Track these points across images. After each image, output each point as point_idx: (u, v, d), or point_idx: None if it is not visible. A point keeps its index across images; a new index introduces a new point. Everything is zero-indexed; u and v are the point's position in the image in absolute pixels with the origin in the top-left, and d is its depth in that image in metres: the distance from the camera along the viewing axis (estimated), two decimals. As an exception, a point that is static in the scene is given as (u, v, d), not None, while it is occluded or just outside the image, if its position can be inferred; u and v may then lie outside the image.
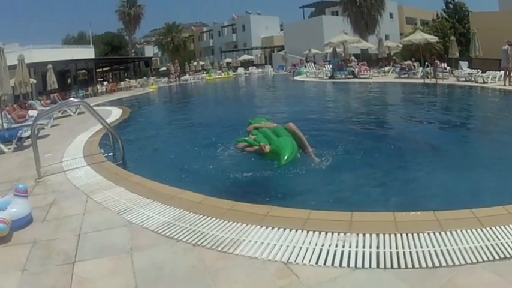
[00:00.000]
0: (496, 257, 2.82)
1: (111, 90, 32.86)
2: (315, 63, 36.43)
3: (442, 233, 3.18)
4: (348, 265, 2.86)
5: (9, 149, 8.63)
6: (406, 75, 23.27)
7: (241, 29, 64.62)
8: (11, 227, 3.83)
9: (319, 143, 7.05)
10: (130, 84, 35.40)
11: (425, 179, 5.48)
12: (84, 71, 41.72)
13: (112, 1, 78.91)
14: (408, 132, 9.11)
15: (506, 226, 3.23)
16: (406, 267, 2.78)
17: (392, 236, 3.21)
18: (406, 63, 25.35)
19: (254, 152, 6.59)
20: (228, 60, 54.96)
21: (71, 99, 14.52)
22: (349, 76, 25.93)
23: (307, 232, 3.39)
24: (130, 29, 56.61)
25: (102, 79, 40.88)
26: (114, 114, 15.00)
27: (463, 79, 19.45)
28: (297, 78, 30.84)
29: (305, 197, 4.93)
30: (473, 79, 18.41)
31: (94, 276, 3.03)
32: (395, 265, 2.82)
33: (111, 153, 7.45)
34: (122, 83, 36.60)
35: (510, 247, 2.91)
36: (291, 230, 3.45)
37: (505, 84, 16.00)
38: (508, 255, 2.82)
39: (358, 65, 28.22)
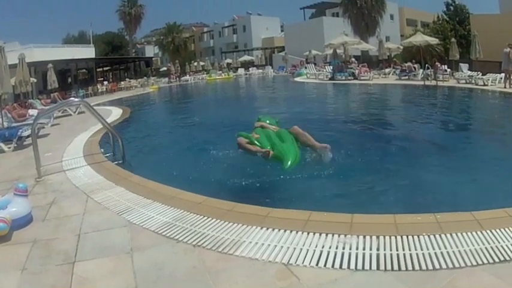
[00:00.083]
0: (496, 259, 2.82)
1: (111, 90, 32.86)
2: (315, 64, 36.46)
3: (442, 236, 3.18)
4: (348, 267, 2.87)
5: (9, 148, 8.63)
6: (407, 77, 23.29)
7: (241, 30, 64.65)
8: (11, 226, 3.83)
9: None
10: (131, 84, 35.40)
11: (424, 180, 5.48)
12: (84, 70, 41.70)
13: (113, 1, 79.10)
14: (407, 134, 9.11)
15: (507, 229, 3.23)
16: (407, 269, 2.79)
17: (393, 238, 3.21)
18: (406, 65, 25.35)
19: (254, 151, 6.51)
20: (229, 60, 54.98)
21: (72, 98, 14.54)
22: (349, 78, 25.95)
23: (308, 234, 3.39)
24: (131, 28, 56.61)
25: (102, 79, 40.86)
26: (115, 114, 14.99)
27: (464, 81, 19.47)
28: (297, 79, 30.87)
29: (305, 199, 4.93)
30: (473, 81, 18.43)
31: (94, 276, 3.03)
32: (396, 267, 2.82)
33: (111, 153, 7.44)
34: (122, 82, 36.59)
35: (510, 250, 2.92)
36: (291, 232, 3.45)
37: (505, 87, 16.02)
38: (508, 258, 2.82)
39: (358, 66, 28.24)
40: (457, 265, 2.78)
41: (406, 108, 14.77)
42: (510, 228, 3.24)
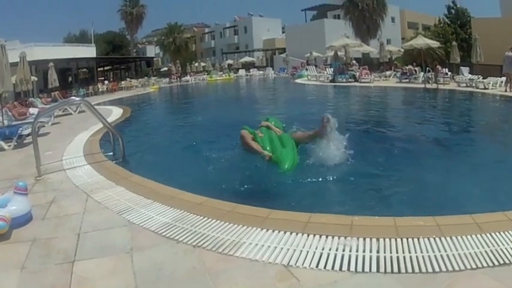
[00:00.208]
0: (496, 263, 2.82)
1: (112, 89, 32.89)
2: (316, 66, 36.48)
3: (442, 239, 3.18)
4: (348, 269, 2.87)
5: (9, 146, 8.64)
6: (407, 80, 23.33)
7: (243, 31, 64.70)
8: (10, 224, 3.83)
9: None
10: (131, 84, 35.42)
11: (424, 183, 5.49)
12: (85, 69, 41.74)
13: (114, 0, 79.06)
14: (407, 136, 9.09)
15: (506, 232, 3.23)
16: (406, 272, 2.79)
17: (393, 240, 3.21)
18: (407, 68, 25.39)
19: (255, 149, 6.51)
20: (229, 61, 55.02)
21: (73, 97, 14.57)
22: (350, 80, 25.98)
23: (308, 235, 3.39)
24: (132, 28, 56.68)
25: (103, 78, 40.94)
26: (115, 113, 14.99)
27: (464, 85, 19.50)
28: (298, 81, 30.89)
29: (306, 200, 4.93)
30: (474, 85, 18.45)
31: (94, 276, 3.02)
32: (396, 270, 2.82)
33: (111, 153, 7.45)
34: (122, 82, 36.63)
35: (510, 253, 2.92)
36: (291, 233, 3.45)
37: (506, 90, 16.03)
38: (507, 261, 2.83)
39: (359, 69, 28.28)
40: (456, 268, 2.78)
41: (407, 111, 14.77)
42: (510, 231, 3.24)
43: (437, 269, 2.78)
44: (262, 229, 3.58)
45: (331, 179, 5.57)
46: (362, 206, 4.61)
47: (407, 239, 3.21)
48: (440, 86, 19.90)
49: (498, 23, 26.30)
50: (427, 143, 8.23)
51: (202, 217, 3.95)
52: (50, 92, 22.85)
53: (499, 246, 3.03)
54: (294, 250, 3.17)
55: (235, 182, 5.65)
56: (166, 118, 17.11)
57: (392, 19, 50.83)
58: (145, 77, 39.72)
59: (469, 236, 3.19)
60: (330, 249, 3.14)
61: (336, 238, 3.31)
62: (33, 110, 13.09)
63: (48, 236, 3.81)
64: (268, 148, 6.52)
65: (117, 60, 50.72)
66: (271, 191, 5.46)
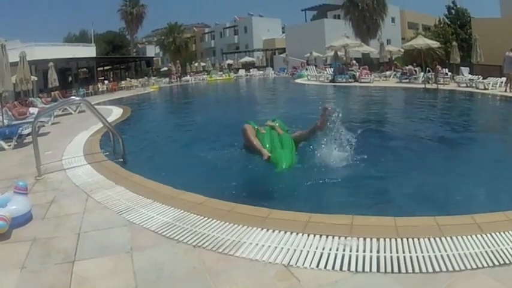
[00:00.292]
0: (496, 263, 2.82)
1: (111, 89, 32.90)
2: (316, 66, 36.47)
3: (442, 239, 3.18)
4: (349, 269, 2.87)
5: (9, 145, 8.63)
6: (407, 80, 23.33)
7: (243, 31, 64.70)
8: (10, 224, 3.83)
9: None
10: (131, 84, 35.42)
11: (423, 182, 5.49)
12: (85, 69, 41.77)
13: (114, 0, 78.97)
14: (407, 136, 9.12)
15: (506, 232, 3.24)
16: (407, 272, 2.79)
17: (393, 240, 3.21)
18: (407, 68, 25.40)
19: (255, 146, 6.50)
20: (229, 61, 55.03)
21: (73, 97, 14.56)
22: (350, 80, 25.98)
23: (308, 235, 3.39)
24: (132, 28, 56.68)
25: (103, 78, 40.96)
26: (115, 113, 14.99)
27: (464, 85, 19.50)
28: (298, 81, 30.89)
29: (306, 200, 4.93)
30: (474, 85, 18.44)
31: (94, 276, 3.02)
32: (396, 269, 2.82)
33: (111, 152, 7.44)
34: (122, 82, 36.64)
35: (510, 253, 2.92)
36: (291, 233, 3.45)
37: (505, 91, 16.03)
38: (507, 262, 2.83)
39: (359, 69, 28.27)
40: (457, 268, 2.78)
41: (406, 111, 14.79)
42: (510, 231, 3.24)
43: (437, 269, 2.78)
44: (262, 229, 3.57)
45: (330, 178, 5.57)
46: (362, 205, 4.61)
47: (407, 239, 3.21)
48: (440, 86, 19.90)
49: (498, 24, 26.32)
50: (426, 143, 8.22)
51: (202, 217, 3.95)
52: (50, 92, 22.84)
53: (499, 246, 3.03)
54: (294, 250, 3.17)
55: (235, 181, 5.65)
56: (166, 118, 17.11)
57: (393, 19, 50.84)
58: (145, 77, 39.72)
59: (469, 236, 3.20)
60: (330, 249, 3.14)
61: (336, 238, 3.31)
62: (33, 110, 13.09)
63: (48, 236, 3.81)
64: (267, 146, 6.52)
65: (117, 60, 50.73)
66: (271, 191, 5.46)
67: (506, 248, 2.99)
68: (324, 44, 36.77)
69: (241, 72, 45.40)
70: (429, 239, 3.18)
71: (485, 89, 17.50)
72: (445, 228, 3.36)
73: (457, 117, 12.48)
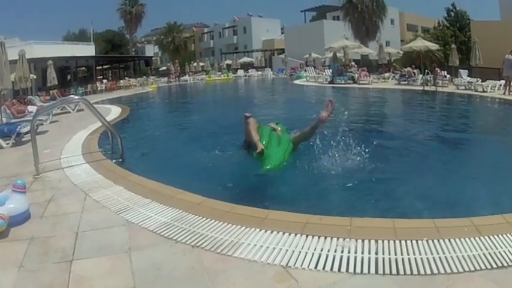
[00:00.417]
0: (494, 265, 2.82)
1: (110, 88, 32.88)
2: (314, 67, 36.53)
3: (441, 241, 3.19)
4: (347, 270, 2.86)
5: (7, 144, 8.61)
6: (406, 82, 23.38)
7: (242, 31, 64.72)
8: (8, 222, 3.81)
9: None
10: (130, 83, 35.43)
11: (421, 185, 5.49)
12: (84, 68, 41.64)
13: (114, -1, 78.82)
14: (405, 138, 9.13)
15: (504, 235, 3.24)
16: (405, 274, 2.79)
17: (391, 242, 3.21)
18: (406, 70, 25.46)
19: (253, 138, 6.54)
20: (228, 62, 55.10)
21: (72, 96, 14.49)
22: (349, 81, 26.02)
23: (307, 236, 3.39)
24: (132, 27, 56.67)
25: (101, 77, 40.88)
26: (114, 112, 14.98)
27: (463, 87, 19.55)
28: (297, 82, 30.94)
29: (305, 201, 4.93)
30: (472, 87, 18.50)
31: (92, 275, 3.01)
32: (394, 271, 2.82)
33: (110, 152, 7.44)
34: (121, 81, 36.65)
35: (508, 256, 2.92)
36: (290, 234, 3.44)
37: (504, 93, 16.08)
38: (505, 264, 2.83)
39: (358, 70, 28.31)
40: (455, 270, 2.79)
41: (405, 113, 14.80)
42: (508, 234, 3.25)
43: (435, 271, 2.78)
44: (260, 230, 3.57)
45: (329, 180, 5.58)
46: (361, 207, 4.62)
47: (405, 241, 3.21)
48: (439, 89, 19.93)
49: (497, 26, 26.43)
50: (424, 146, 8.23)
51: (201, 217, 3.94)
52: (49, 90, 22.78)
53: (497, 249, 3.04)
54: (293, 251, 3.16)
55: (234, 181, 5.66)
56: (164, 117, 17.11)
57: (392, 21, 50.93)
58: (144, 76, 39.75)
59: (467, 239, 3.20)
60: (328, 251, 3.14)
61: (334, 239, 3.31)
62: (31, 108, 13.06)
63: (46, 235, 3.79)
64: (264, 142, 6.56)
65: (116, 59, 50.66)
66: (270, 192, 5.46)
67: (504, 251, 3.00)
68: (323, 45, 36.85)
69: (240, 72, 45.45)
70: (427, 241, 3.18)
71: (483, 91, 17.55)
72: (444, 230, 3.36)
73: (456, 119, 12.51)
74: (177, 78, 41.58)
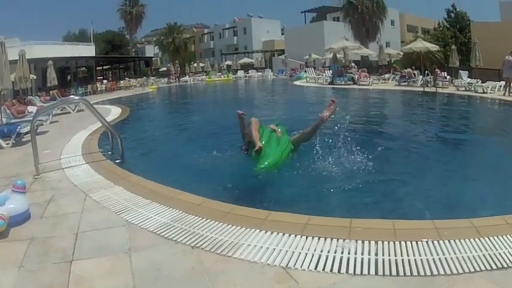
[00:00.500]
0: (494, 266, 2.83)
1: (110, 88, 32.89)
2: (315, 68, 36.54)
3: (441, 242, 3.19)
4: (347, 271, 2.87)
5: (7, 144, 8.61)
6: (406, 83, 23.38)
7: (242, 32, 64.69)
8: (8, 222, 3.81)
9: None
10: (130, 84, 35.45)
11: (421, 186, 5.50)
12: (84, 68, 41.65)
13: None
14: (405, 139, 9.13)
15: (504, 236, 3.24)
16: (405, 275, 2.79)
17: (391, 243, 3.21)
18: (406, 71, 25.46)
19: (252, 134, 6.59)
20: (228, 62, 55.08)
21: (72, 96, 14.51)
22: (349, 82, 26.03)
23: (307, 237, 3.39)
24: (132, 28, 56.66)
25: (101, 77, 40.90)
26: (114, 112, 14.98)
27: (463, 88, 19.56)
28: (297, 82, 30.95)
29: (305, 202, 4.93)
30: (473, 89, 18.51)
31: (92, 276, 3.01)
32: (394, 272, 2.82)
33: (110, 152, 7.43)
34: (121, 82, 36.66)
35: (508, 257, 2.93)
36: (290, 235, 3.44)
37: (504, 94, 16.09)
38: (505, 265, 2.83)
39: (358, 71, 28.32)
40: (454, 271, 2.79)
41: (404, 114, 14.80)
42: (508, 235, 3.25)
43: (435, 272, 2.79)
44: (260, 230, 3.57)
45: (329, 181, 5.57)
46: (361, 208, 4.62)
47: (405, 242, 3.21)
48: (439, 90, 19.94)
49: (497, 27, 26.44)
50: (424, 147, 8.24)
51: (201, 218, 3.94)
52: (49, 91, 22.78)
53: (497, 250, 3.04)
54: (293, 252, 3.16)
55: (233, 182, 5.65)
56: (164, 118, 17.11)
57: (392, 22, 50.93)
58: (144, 77, 39.75)
59: (467, 240, 3.20)
60: (328, 252, 3.14)
61: (334, 240, 3.31)
62: (31, 108, 13.06)
63: (46, 235, 3.80)
64: (263, 142, 6.58)
65: (116, 59, 50.71)
66: (270, 193, 5.46)
67: (504, 252, 3.00)
68: (323, 46, 36.82)
69: (240, 73, 45.49)
70: (427, 242, 3.19)
71: (484, 92, 17.56)
72: (443, 231, 3.37)
73: (456, 120, 12.50)
74: (177, 79, 41.60)
